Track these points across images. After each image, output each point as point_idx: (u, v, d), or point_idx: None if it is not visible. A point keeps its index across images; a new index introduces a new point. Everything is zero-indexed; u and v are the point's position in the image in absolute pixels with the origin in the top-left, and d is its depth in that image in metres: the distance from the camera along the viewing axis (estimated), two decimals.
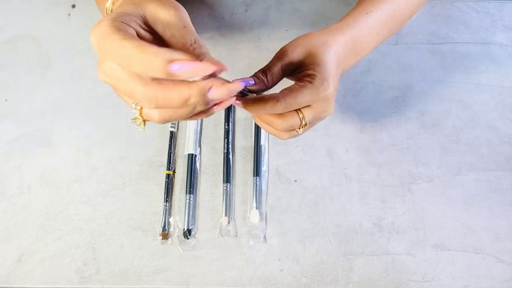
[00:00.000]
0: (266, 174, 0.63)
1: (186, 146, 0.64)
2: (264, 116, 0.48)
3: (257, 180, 0.62)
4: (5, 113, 0.66)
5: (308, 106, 0.47)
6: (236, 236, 0.60)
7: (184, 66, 0.32)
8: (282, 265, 0.58)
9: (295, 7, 0.73)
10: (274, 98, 0.44)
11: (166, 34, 0.38)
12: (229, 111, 0.65)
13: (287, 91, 0.46)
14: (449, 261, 0.59)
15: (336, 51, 0.51)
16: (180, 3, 0.44)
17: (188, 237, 0.59)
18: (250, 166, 0.63)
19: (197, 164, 0.63)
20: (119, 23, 0.34)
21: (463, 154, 0.64)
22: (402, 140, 0.65)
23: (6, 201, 0.61)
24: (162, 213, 0.60)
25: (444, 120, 0.66)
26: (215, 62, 0.34)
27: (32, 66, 0.69)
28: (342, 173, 0.63)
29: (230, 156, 0.63)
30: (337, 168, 0.63)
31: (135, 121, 0.39)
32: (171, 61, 0.32)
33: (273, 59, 0.49)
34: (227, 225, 0.60)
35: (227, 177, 0.62)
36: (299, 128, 0.49)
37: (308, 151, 0.64)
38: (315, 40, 0.50)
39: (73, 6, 0.73)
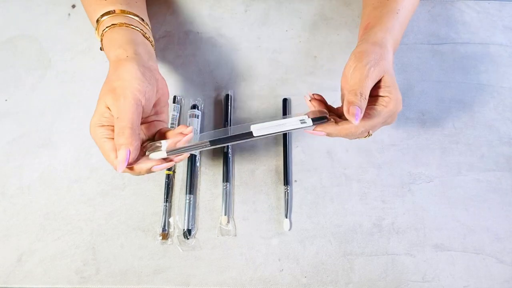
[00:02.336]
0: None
1: None
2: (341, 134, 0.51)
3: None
4: (5, 113, 0.66)
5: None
6: (236, 235, 0.60)
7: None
8: (282, 265, 0.58)
9: (295, 7, 0.73)
10: (355, 125, 0.48)
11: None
12: (228, 111, 0.65)
13: (365, 118, 0.48)
14: (449, 261, 0.59)
15: (391, 59, 0.53)
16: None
17: (188, 237, 0.59)
18: (250, 166, 0.63)
19: (197, 165, 0.63)
20: (103, 119, 0.49)
21: (463, 154, 0.64)
22: (402, 141, 0.65)
23: (6, 201, 0.61)
24: (162, 214, 0.60)
25: (444, 121, 0.66)
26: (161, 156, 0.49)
27: (32, 66, 0.69)
28: (342, 174, 0.63)
29: (230, 156, 0.63)
30: (337, 169, 0.63)
31: None
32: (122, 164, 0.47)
33: (364, 77, 0.49)
34: (227, 224, 0.60)
35: (227, 176, 0.62)
36: (367, 136, 0.53)
37: (308, 152, 0.64)
38: (378, 55, 0.50)
39: (73, 6, 0.73)
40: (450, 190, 0.62)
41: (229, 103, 0.66)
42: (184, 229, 0.59)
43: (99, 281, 0.57)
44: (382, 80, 0.50)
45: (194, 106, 0.65)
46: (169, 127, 0.64)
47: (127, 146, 0.46)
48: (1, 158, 0.64)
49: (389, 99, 0.49)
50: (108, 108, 0.48)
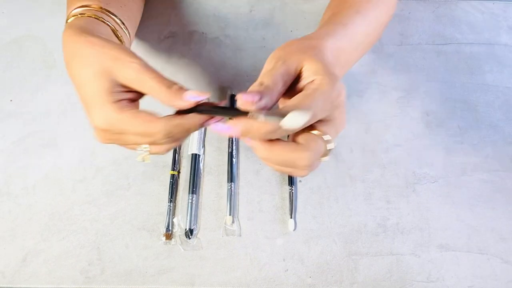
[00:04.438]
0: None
1: (190, 146, 0.64)
2: (284, 155, 0.41)
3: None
4: (10, 113, 0.66)
5: (325, 121, 0.42)
6: (241, 235, 0.60)
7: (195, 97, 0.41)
8: (287, 265, 0.58)
9: (300, 8, 0.73)
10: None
11: (144, 89, 0.43)
12: None
13: (295, 100, 0.39)
14: (454, 261, 0.59)
15: (328, 55, 0.44)
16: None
17: (190, 237, 0.59)
18: (254, 166, 0.63)
19: (201, 164, 0.63)
20: (119, 103, 0.42)
21: (467, 154, 0.64)
22: (406, 141, 0.65)
23: (11, 201, 0.61)
24: (166, 214, 0.60)
25: (448, 121, 0.66)
26: (199, 93, 0.41)
27: (37, 67, 0.69)
28: (346, 174, 0.63)
29: (234, 156, 0.63)
30: (341, 169, 0.63)
31: (143, 159, 0.47)
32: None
33: (267, 71, 0.42)
34: (232, 224, 0.60)
35: (231, 176, 0.62)
36: (325, 155, 0.43)
37: None
38: (302, 45, 0.44)
39: None
40: (454, 190, 0.62)
41: (234, 103, 0.66)
42: (186, 229, 0.59)
43: (104, 281, 0.57)
44: (305, 66, 0.42)
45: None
46: None
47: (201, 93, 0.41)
48: (6, 158, 0.64)
49: (321, 80, 0.40)
50: (120, 83, 0.42)
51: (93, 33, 0.46)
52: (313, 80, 0.41)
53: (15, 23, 0.72)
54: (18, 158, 0.64)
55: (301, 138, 0.42)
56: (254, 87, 0.41)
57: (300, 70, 0.42)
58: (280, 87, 0.41)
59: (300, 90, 0.41)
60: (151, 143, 0.44)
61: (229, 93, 0.67)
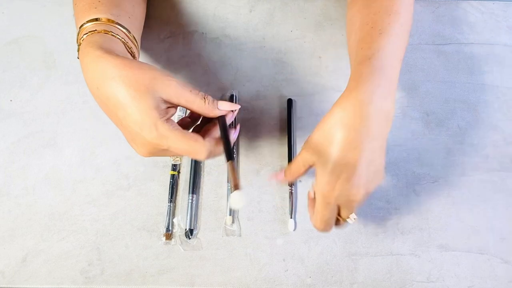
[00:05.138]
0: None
1: None
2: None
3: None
4: (10, 113, 0.66)
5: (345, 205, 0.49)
6: (240, 236, 0.60)
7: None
8: (287, 265, 0.58)
9: (300, 7, 0.73)
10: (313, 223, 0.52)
11: (182, 102, 0.47)
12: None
13: (312, 216, 0.53)
14: (454, 261, 0.59)
15: (342, 115, 0.46)
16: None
17: (190, 237, 0.59)
18: (255, 166, 0.63)
19: (201, 164, 0.63)
20: (169, 122, 0.46)
21: (467, 154, 0.64)
22: (406, 141, 0.65)
23: (11, 201, 0.61)
24: (166, 214, 0.60)
25: (448, 121, 0.66)
26: (231, 105, 0.51)
27: (37, 67, 0.69)
28: None
29: (235, 156, 0.63)
30: None
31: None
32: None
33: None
34: (232, 224, 0.60)
35: None
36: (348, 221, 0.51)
37: None
38: (325, 133, 0.48)
39: None
40: (454, 190, 0.62)
41: (234, 102, 0.66)
42: (186, 229, 0.59)
43: (104, 282, 0.57)
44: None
45: None
46: None
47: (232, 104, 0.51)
48: (6, 158, 0.64)
49: (316, 182, 0.49)
50: (163, 99, 0.46)
51: (114, 52, 0.48)
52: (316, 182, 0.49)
53: (15, 23, 0.72)
54: (18, 158, 0.64)
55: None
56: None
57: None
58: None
59: None
60: (192, 157, 0.50)
61: (229, 93, 0.67)
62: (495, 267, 0.59)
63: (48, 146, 0.64)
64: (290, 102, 0.66)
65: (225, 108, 0.50)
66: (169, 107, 0.47)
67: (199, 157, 0.47)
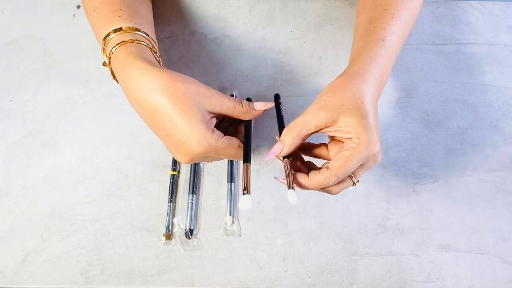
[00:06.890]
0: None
1: None
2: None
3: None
4: (10, 113, 0.66)
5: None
6: (240, 236, 0.60)
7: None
8: (287, 265, 0.58)
9: (300, 7, 0.73)
10: (326, 175, 0.47)
11: (223, 110, 0.50)
12: None
13: (336, 165, 0.46)
14: (454, 261, 0.59)
15: (371, 94, 0.49)
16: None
17: (190, 237, 0.59)
18: (254, 166, 0.63)
19: (201, 164, 0.63)
20: (215, 132, 0.48)
21: (467, 154, 0.64)
22: (406, 141, 0.65)
23: (11, 201, 0.61)
24: (166, 214, 0.60)
25: (448, 121, 0.66)
26: (265, 104, 0.53)
27: (37, 67, 0.69)
28: None
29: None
30: None
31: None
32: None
33: (290, 131, 0.49)
34: (232, 224, 0.60)
35: (231, 176, 0.62)
36: (352, 185, 0.51)
37: None
38: (343, 94, 0.48)
39: (78, 7, 0.73)
40: (454, 190, 0.62)
41: None
42: (185, 229, 0.59)
43: (104, 282, 0.57)
44: (341, 121, 0.47)
45: None
46: None
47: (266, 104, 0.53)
48: (6, 158, 0.64)
49: (358, 140, 0.46)
50: (207, 111, 0.48)
51: (154, 63, 0.50)
52: (351, 138, 0.47)
53: (15, 23, 0.72)
54: (18, 158, 0.64)
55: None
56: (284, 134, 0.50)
57: (336, 122, 0.48)
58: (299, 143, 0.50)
59: (336, 139, 0.50)
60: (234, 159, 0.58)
61: (229, 93, 0.67)
62: (495, 267, 0.59)
63: (48, 146, 0.64)
64: (277, 97, 0.62)
65: (260, 108, 0.52)
66: (212, 117, 0.49)
67: (239, 159, 0.50)
